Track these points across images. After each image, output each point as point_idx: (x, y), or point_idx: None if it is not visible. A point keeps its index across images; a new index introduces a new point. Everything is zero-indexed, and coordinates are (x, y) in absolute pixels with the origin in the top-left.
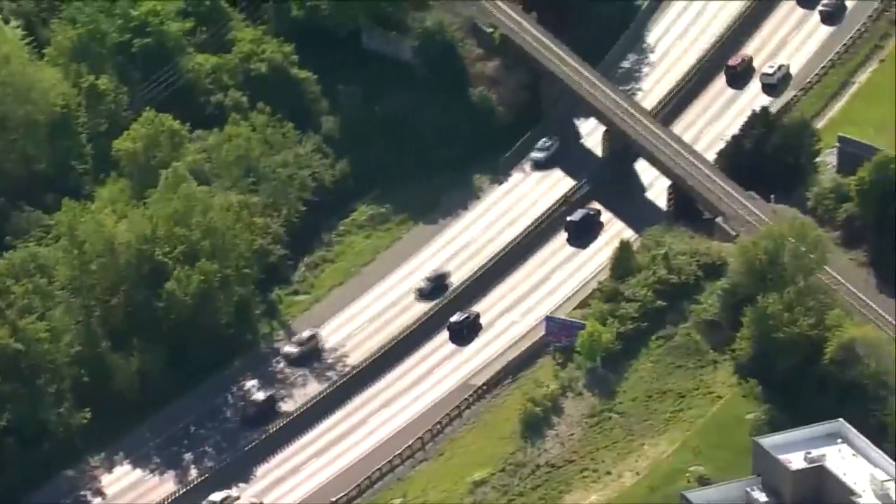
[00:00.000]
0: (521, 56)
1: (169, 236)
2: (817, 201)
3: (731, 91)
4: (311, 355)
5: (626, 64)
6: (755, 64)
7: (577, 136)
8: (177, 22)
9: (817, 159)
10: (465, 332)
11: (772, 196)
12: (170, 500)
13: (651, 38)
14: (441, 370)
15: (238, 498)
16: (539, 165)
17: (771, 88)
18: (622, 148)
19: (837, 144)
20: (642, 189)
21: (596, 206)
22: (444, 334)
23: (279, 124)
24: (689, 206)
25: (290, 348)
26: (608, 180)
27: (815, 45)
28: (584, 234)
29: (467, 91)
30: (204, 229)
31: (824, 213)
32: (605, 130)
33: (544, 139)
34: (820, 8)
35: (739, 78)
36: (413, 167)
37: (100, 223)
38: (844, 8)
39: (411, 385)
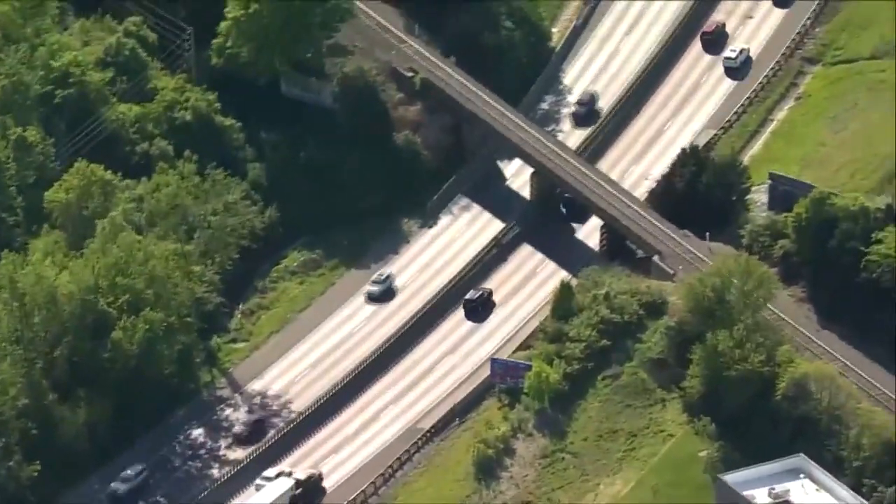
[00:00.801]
0: (444, 100)
1: (111, 286)
2: (752, 238)
3: (653, 131)
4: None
5: (544, 106)
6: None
7: (503, 177)
8: (97, 72)
9: (747, 197)
10: (481, 310)
11: (707, 234)
12: None
13: (567, 79)
14: (388, 413)
15: (291, 473)
16: (373, 298)
17: (734, 72)
18: (551, 189)
19: (769, 181)
20: (572, 230)
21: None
22: (394, 374)
23: (210, 172)
24: (621, 246)
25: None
26: (537, 222)
27: (770, 29)
28: (579, 213)
29: (391, 136)
30: (147, 278)
31: (760, 249)
32: (533, 172)
33: (379, 273)
34: None
35: (714, 44)
36: (341, 212)
37: (41, 275)
38: None
39: (361, 428)
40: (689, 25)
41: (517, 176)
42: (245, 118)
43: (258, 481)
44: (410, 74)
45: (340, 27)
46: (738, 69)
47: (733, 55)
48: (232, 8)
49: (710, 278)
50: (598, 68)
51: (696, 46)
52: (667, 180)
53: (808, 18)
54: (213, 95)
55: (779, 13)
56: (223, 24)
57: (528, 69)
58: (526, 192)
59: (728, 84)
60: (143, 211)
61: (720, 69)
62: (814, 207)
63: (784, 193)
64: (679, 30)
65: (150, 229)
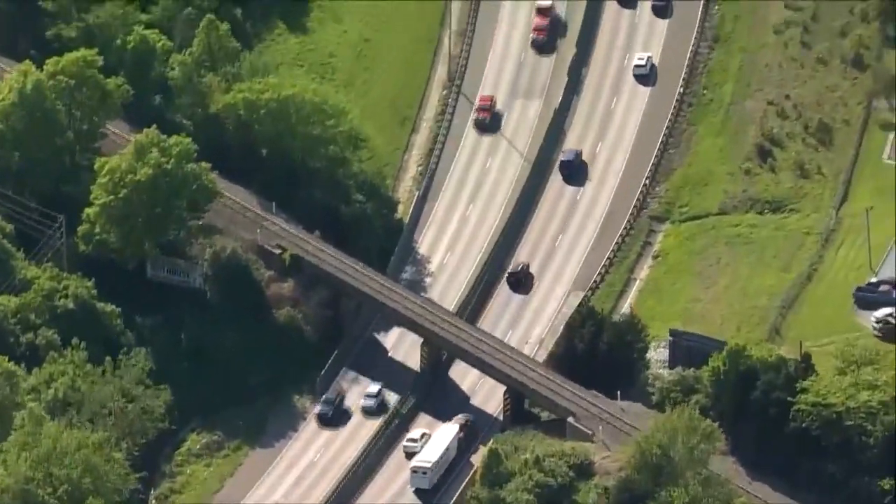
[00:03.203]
0: (319, 275)
1: (47, 477)
2: (662, 395)
3: (519, 298)
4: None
5: (406, 276)
6: None
7: (385, 350)
8: None
9: (647, 354)
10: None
11: (618, 393)
12: None
13: (422, 249)
14: None
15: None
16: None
17: (644, 79)
18: (442, 357)
19: (670, 338)
20: (466, 397)
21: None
22: None
23: (121, 358)
24: (522, 409)
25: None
26: (430, 392)
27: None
28: (577, 174)
29: (269, 313)
30: (82, 467)
31: (672, 406)
32: (424, 341)
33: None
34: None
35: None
36: (231, 392)
37: None
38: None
39: None
40: (527, 194)
41: (398, 346)
42: (121, 303)
43: (406, 443)
44: (279, 251)
45: (209, 208)
46: (647, 75)
47: (643, 62)
48: (98, 194)
49: (657, 435)
50: (449, 238)
51: (545, 208)
52: (567, 341)
53: (647, 178)
54: (91, 282)
55: (614, 176)
56: (89, 211)
57: (384, 240)
58: (410, 362)
59: (587, 241)
60: (40, 401)
61: (572, 232)
62: (731, 361)
63: (687, 349)
64: (523, 195)
65: (54, 419)
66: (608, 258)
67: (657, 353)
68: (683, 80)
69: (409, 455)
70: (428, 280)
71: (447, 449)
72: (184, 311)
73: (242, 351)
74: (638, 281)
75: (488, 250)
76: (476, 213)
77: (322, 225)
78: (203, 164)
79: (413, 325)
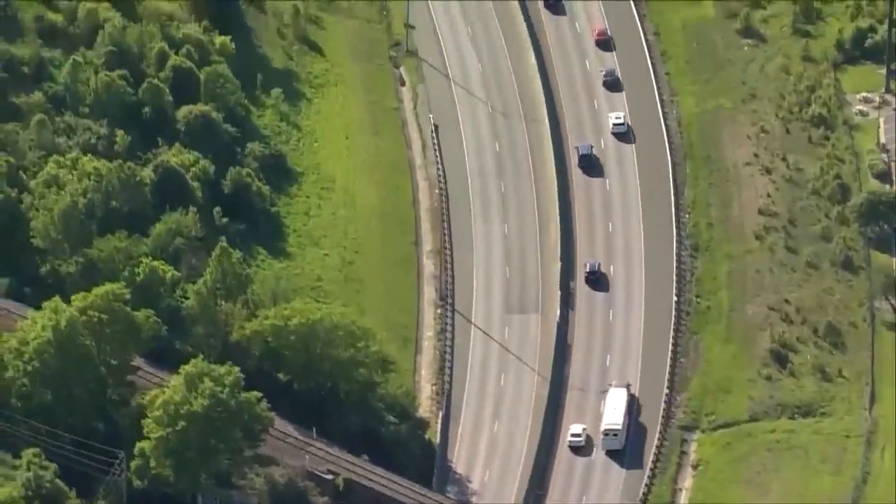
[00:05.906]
0: (376, 499)
1: None
2: None
3: None
4: None
5: (451, 496)
6: None
7: None
8: None
9: None
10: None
11: None
12: None
13: (461, 467)
14: None
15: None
16: None
17: (622, 136)
18: None
19: None
20: None
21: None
22: None
23: None
24: None
25: None
26: None
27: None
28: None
29: None
30: None
31: None
32: None
33: None
34: (604, 78)
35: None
36: None
37: None
38: (618, 78)
39: None
40: (551, 410)
41: None
42: None
43: (570, 439)
44: (330, 476)
45: (264, 438)
46: (626, 133)
47: (620, 121)
48: (152, 428)
49: None
50: (483, 457)
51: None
52: None
53: (667, 388)
54: None
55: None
56: (142, 445)
57: (422, 461)
58: None
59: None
60: None
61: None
62: None
63: None
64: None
65: None
66: (650, 470)
67: None
68: (676, 290)
69: (575, 450)
70: (475, 500)
71: (626, 412)
72: None
73: None
74: (684, 491)
75: (527, 469)
76: (503, 430)
77: (361, 448)
78: (255, 392)
79: None
